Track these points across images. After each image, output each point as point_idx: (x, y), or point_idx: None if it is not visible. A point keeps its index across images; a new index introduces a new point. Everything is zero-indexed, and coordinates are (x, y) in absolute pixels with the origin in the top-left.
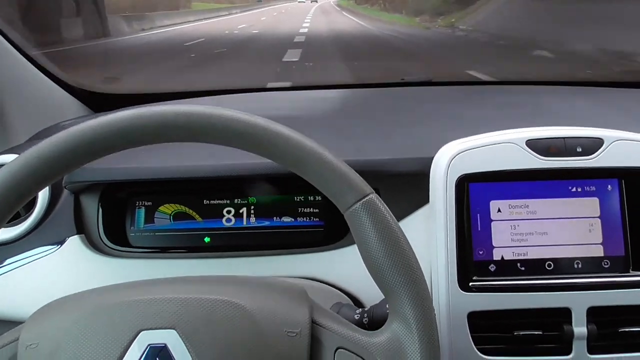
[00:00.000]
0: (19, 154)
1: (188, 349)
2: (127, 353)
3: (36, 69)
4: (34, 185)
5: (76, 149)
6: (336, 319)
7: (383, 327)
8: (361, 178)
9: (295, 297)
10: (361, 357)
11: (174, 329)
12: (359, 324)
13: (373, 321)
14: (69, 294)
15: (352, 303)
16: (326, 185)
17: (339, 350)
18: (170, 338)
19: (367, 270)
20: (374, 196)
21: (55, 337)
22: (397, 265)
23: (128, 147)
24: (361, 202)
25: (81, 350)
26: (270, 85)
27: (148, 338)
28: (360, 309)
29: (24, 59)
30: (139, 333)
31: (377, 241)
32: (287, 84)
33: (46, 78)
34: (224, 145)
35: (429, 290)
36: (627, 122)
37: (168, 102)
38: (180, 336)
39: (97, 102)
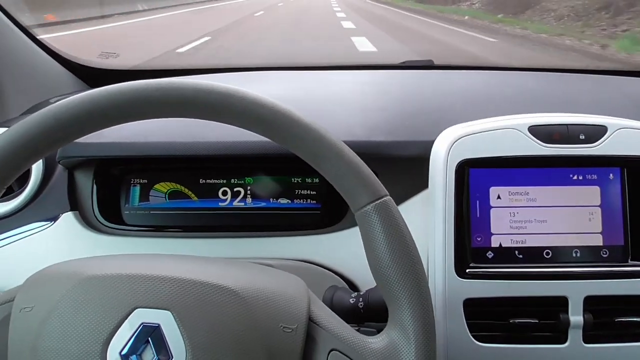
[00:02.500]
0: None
1: (181, 332)
2: (120, 328)
3: (32, 42)
4: (45, 145)
5: (92, 113)
6: (334, 317)
7: (381, 333)
8: (377, 179)
9: (295, 291)
10: None
11: (169, 310)
12: (354, 308)
13: (368, 306)
14: (67, 260)
15: (347, 287)
16: (341, 182)
17: (333, 351)
18: (164, 318)
19: (362, 254)
20: (388, 199)
21: (51, 302)
22: (403, 275)
23: (143, 118)
24: (374, 203)
25: (75, 319)
26: (271, 64)
27: (142, 316)
28: (356, 293)
29: (19, 31)
30: (134, 310)
31: (385, 247)
32: (288, 64)
33: (42, 51)
34: (240, 128)
35: (426, 276)
36: (632, 110)
37: (178, 77)
38: (174, 318)
39: (94, 77)
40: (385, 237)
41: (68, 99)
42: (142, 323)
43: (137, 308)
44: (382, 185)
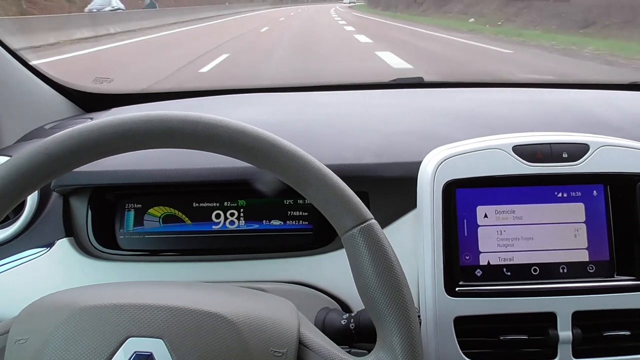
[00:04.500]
0: (8, 155)
1: None
2: (113, 357)
3: (25, 69)
4: (36, 180)
5: (81, 148)
6: (324, 339)
7: (369, 354)
8: (362, 203)
9: (284, 315)
10: None
11: (161, 338)
12: (346, 329)
13: (359, 327)
14: (60, 290)
15: (339, 308)
16: (326, 207)
17: None
18: (156, 347)
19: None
20: (373, 222)
21: (45, 334)
22: (390, 297)
23: (132, 150)
24: (359, 227)
25: (68, 350)
26: (261, 86)
27: (135, 345)
28: (347, 315)
29: (11, 57)
30: (126, 339)
31: (371, 268)
32: (276, 85)
33: (35, 77)
34: (227, 156)
35: (416, 295)
36: (616, 126)
37: (171, 101)
38: (167, 346)
39: (89, 102)
40: (371, 260)
41: (57, 134)
42: (135, 352)
43: (129, 337)
44: (366, 208)
